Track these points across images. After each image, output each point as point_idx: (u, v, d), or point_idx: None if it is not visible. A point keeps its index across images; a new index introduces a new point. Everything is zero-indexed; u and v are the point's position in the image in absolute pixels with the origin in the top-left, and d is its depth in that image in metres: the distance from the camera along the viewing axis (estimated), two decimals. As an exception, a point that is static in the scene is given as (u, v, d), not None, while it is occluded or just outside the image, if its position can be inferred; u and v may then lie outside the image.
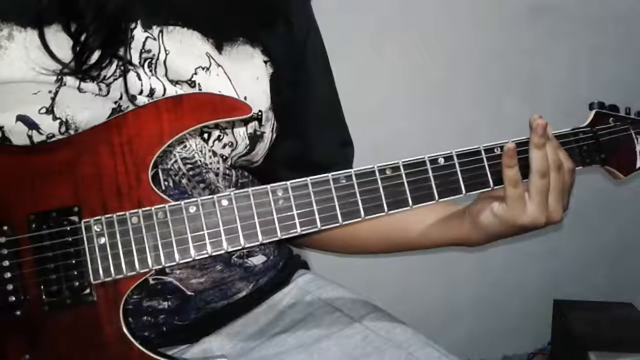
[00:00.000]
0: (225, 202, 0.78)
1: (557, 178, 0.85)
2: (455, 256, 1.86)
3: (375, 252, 1.06)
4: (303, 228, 0.79)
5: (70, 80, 0.80)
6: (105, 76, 0.81)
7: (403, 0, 1.78)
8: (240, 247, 0.78)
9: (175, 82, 0.86)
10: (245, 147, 0.92)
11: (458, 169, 0.84)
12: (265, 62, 0.93)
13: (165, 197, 0.78)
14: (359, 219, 0.81)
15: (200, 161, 0.89)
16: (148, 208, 0.77)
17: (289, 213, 0.79)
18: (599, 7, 1.93)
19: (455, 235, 0.92)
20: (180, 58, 0.85)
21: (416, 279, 1.97)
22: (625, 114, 0.95)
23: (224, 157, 0.91)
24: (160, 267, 0.77)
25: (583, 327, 1.83)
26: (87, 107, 0.81)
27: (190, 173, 0.88)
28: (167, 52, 0.85)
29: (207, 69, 0.87)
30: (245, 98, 0.89)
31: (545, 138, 0.83)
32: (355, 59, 1.71)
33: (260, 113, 0.92)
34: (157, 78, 0.85)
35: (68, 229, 0.75)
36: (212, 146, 0.89)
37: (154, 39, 0.84)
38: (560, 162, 0.85)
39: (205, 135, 0.89)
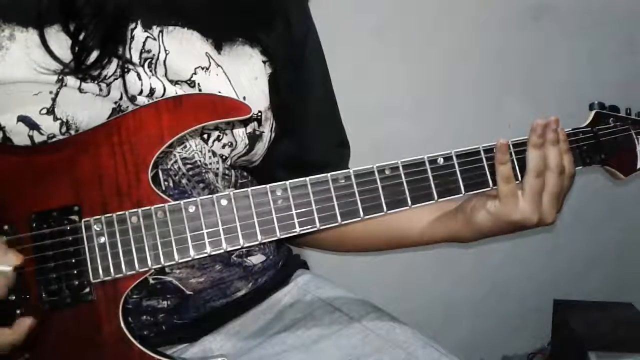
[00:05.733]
0: (224, 202, 0.78)
1: (556, 181, 0.85)
2: (455, 256, 1.86)
3: (369, 250, 1.06)
4: (302, 228, 0.79)
5: (71, 80, 0.80)
6: (105, 76, 0.82)
7: (403, 0, 1.78)
8: (239, 247, 0.78)
9: (175, 82, 0.86)
10: (245, 147, 0.92)
11: (457, 169, 0.84)
12: (264, 62, 0.93)
13: (164, 197, 0.78)
14: (358, 219, 0.81)
15: (200, 161, 0.89)
16: (147, 207, 0.77)
17: (288, 213, 0.79)
18: (599, 7, 1.93)
19: (447, 232, 0.93)
20: (180, 58, 0.86)
21: (416, 279, 1.96)
22: (625, 115, 0.95)
23: (224, 157, 0.91)
24: (159, 266, 0.77)
25: (583, 327, 1.83)
26: (87, 108, 0.81)
27: (190, 173, 0.88)
28: (167, 52, 0.85)
29: (207, 69, 0.87)
30: (244, 98, 0.89)
31: (543, 138, 0.84)
32: (355, 59, 1.71)
33: (259, 113, 0.92)
34: (157, 78, 0.85)
35: (68, 228, 0.75)
36: (211, 146, 0.89)
37: (154, 39, 0.85)
38: (563, 166, 0.85)
39: (205, 136, 0.89)
